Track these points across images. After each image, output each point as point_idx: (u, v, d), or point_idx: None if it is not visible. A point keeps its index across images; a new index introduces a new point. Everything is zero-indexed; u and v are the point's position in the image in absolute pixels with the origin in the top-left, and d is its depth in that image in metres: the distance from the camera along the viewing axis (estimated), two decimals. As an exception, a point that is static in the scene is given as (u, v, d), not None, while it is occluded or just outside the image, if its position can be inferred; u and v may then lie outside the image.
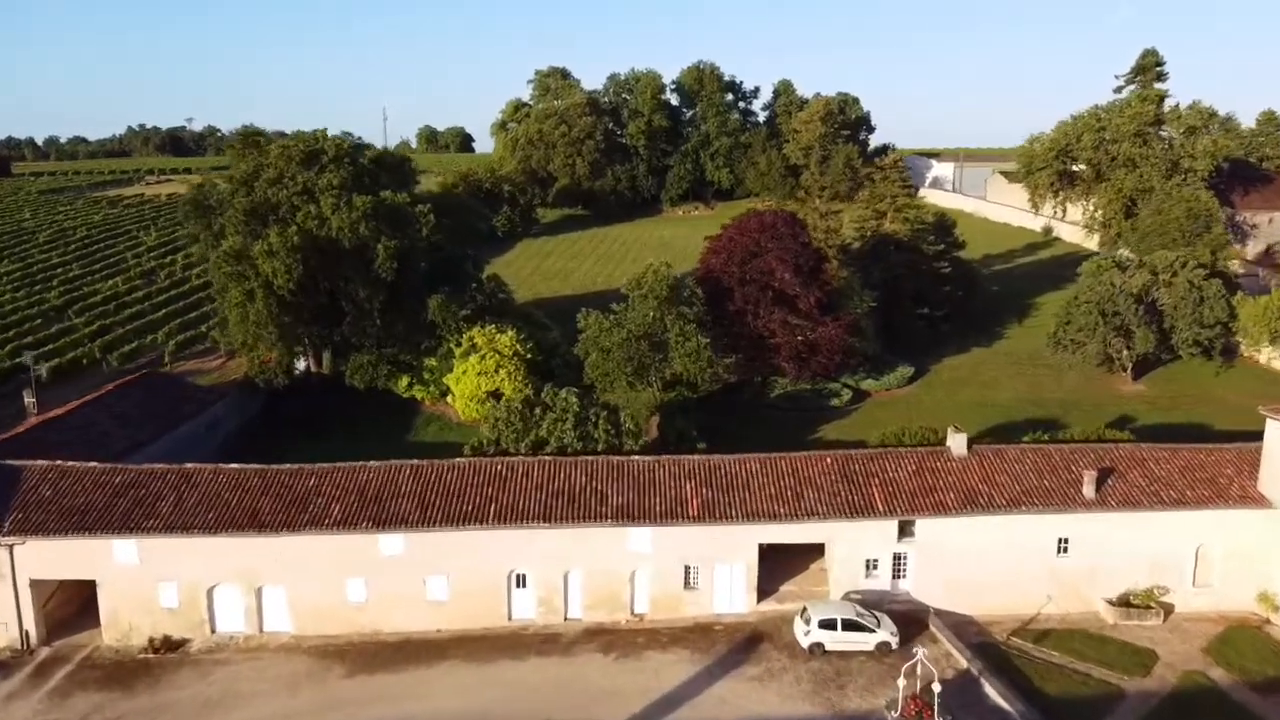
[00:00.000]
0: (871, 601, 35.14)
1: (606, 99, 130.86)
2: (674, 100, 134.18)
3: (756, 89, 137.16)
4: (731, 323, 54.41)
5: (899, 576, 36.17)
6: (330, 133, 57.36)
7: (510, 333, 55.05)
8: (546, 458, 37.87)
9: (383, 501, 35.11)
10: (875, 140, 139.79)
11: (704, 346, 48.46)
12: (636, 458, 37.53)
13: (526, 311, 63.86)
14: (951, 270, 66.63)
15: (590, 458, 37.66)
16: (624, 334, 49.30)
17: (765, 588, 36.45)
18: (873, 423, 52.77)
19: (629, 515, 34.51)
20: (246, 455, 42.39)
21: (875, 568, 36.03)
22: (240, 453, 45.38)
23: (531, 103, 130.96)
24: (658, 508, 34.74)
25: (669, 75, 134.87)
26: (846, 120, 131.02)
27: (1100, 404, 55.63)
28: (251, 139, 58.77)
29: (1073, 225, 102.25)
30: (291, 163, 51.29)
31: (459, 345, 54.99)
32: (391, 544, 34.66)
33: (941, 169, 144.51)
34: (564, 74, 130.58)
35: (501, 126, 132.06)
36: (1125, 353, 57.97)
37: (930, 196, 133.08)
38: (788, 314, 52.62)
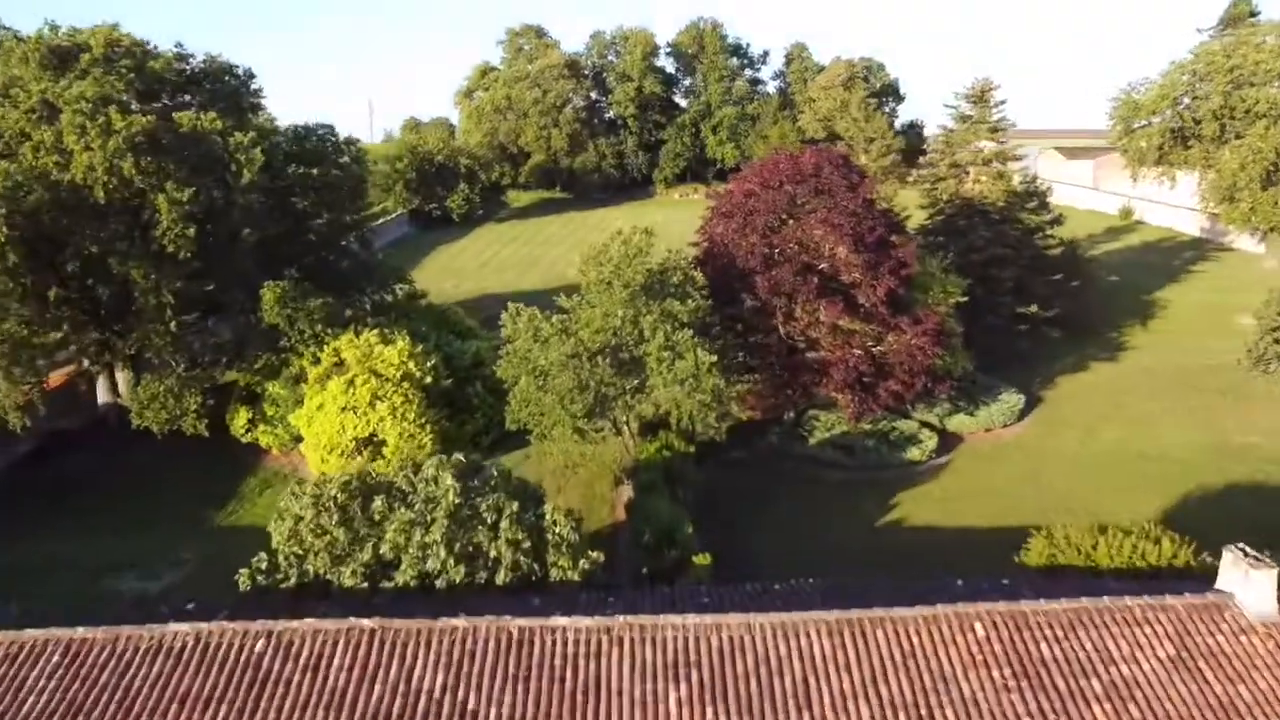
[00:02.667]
0: None
1: (589, 61, 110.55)
2: (669, 65, 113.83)
3: (766, 53, 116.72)
4: (749, 326, 34.20)
5: None
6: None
7: (401, 343, 34.79)
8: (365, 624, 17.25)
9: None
10: (905, 113, 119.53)
11: (708, 367, 28.15)
12: (563, 624, 17.12)
13: (445, 313, 43.59)
14: (1062, 252, 46.41)
15: (457, 624, 17.08)
16: (571, 346, 29.07)
17: None
18: (980, 491, 32.47)
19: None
20: None
21: None
22: None
23: (502, 67, 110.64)
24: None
25: (663, 36, 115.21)
26: (871, 89, 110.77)
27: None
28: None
29: (1160, 205, 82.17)
30: (29, 66, 31.08)
31: (317, 363, 34.75)
32: None
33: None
34: (539, 32, 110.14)
35: (467, 94, 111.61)
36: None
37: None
38: (842, 312, 32.33)
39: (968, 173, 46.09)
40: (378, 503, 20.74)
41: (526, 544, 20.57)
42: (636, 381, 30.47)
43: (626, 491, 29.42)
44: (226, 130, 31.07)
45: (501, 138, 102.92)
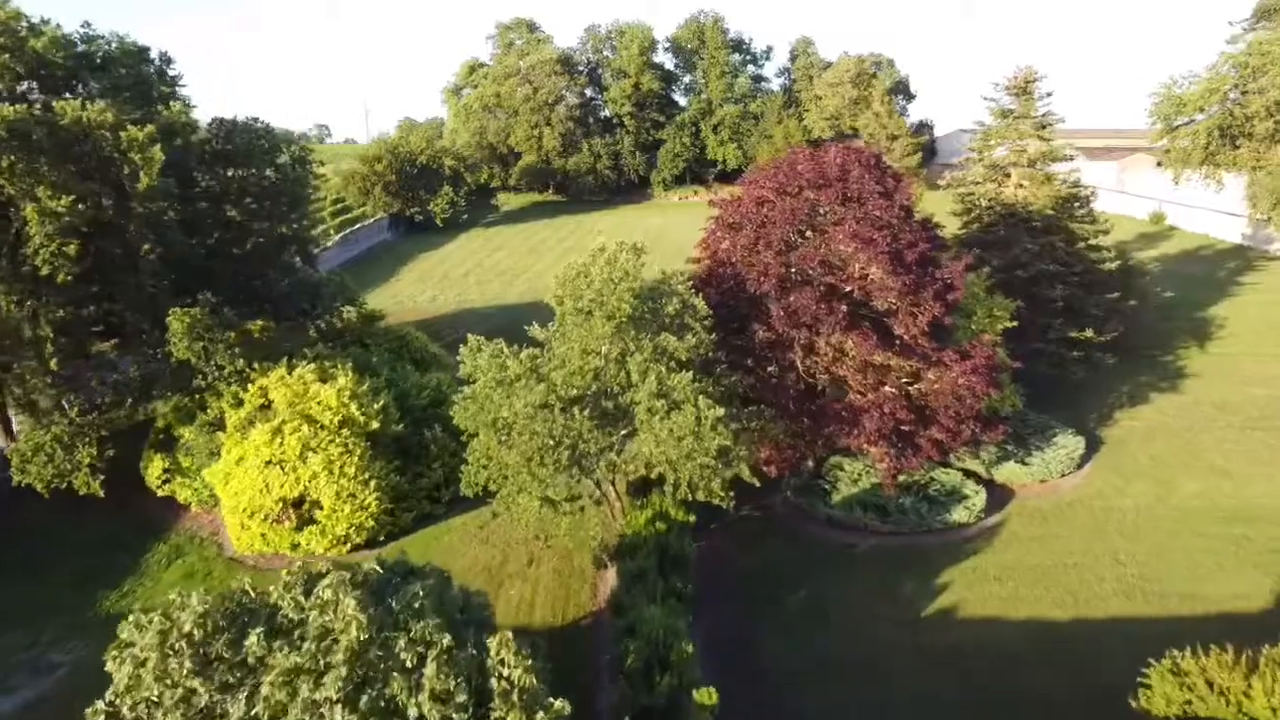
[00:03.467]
0: None
1: (584, 56, 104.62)
2: (668, 61, 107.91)
3: (769, 49, 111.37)
4: (760, 360, 28.23)
5: None
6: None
7: (342, 379, 28.89)
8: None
9: None
10: (915, 112, 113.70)
11: (711, 423, 22.20)
12: None
13: (406, 339, 37.63)
14: (1118, 267, 40.42)
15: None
16: (542, 393, 23.14)
17: None
18: (1046, 567, 26.50)
19: None
20: None
21: None
22: None
23: (492, 63, 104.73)
24: None
25: (662, 31, 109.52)
26: (881, 86, 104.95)
27: None
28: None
29: (1195, 209, 76.25)
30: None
31: (238, 405, 28.83)
32: None
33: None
34: (530, 26, 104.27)
35: (455, 92, 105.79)
36: None
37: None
38: (876, 345, 26.36)
39: (1009, 175, 40.11)
40: (252, 640, 14.78)
41: (462, 696, 14.65)
42: (624, 431, 24.57)
43: (610, 576, 23.49)
44: (119, 124, 25.15)
45: (490, 137, 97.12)
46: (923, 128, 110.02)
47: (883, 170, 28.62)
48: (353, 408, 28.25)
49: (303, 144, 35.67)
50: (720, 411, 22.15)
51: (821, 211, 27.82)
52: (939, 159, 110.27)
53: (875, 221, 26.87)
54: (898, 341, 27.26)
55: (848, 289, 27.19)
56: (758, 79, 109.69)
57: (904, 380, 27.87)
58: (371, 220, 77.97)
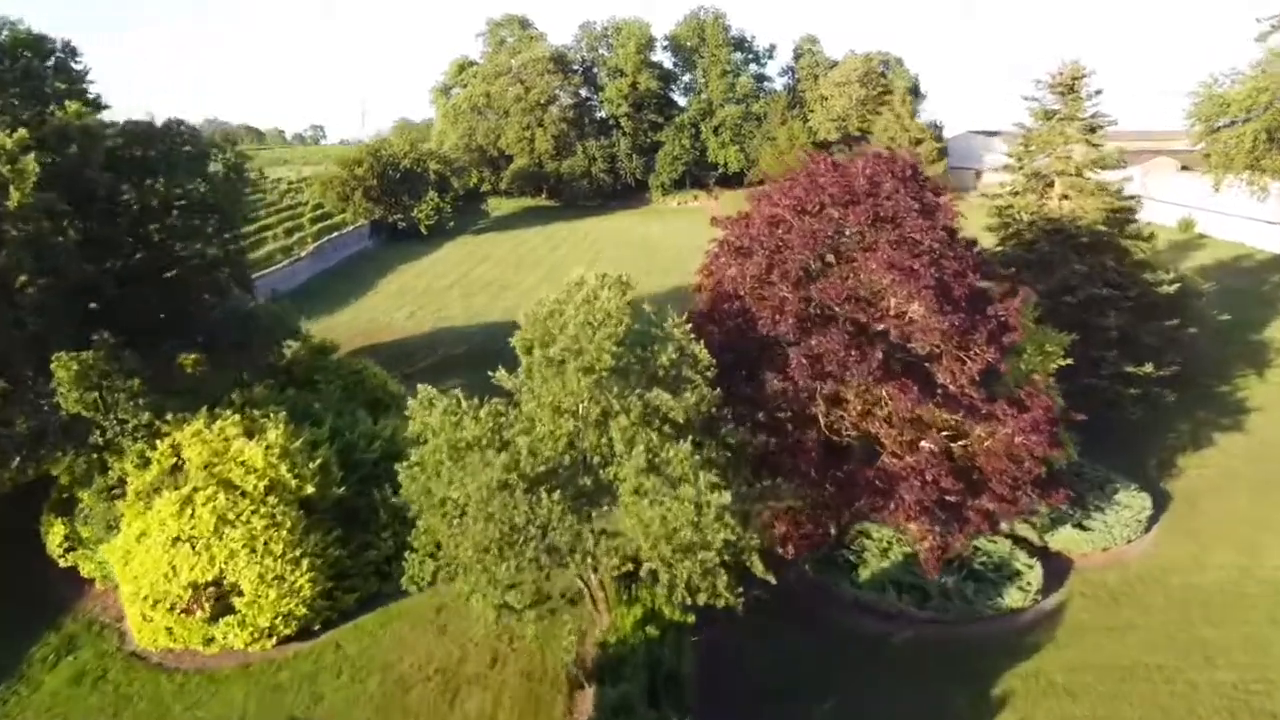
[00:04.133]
0: None
1: (578, 54, 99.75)
2: (666, 60, 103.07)
3: (773, 47, 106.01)
4: (773, 414, 23.32)
5: None
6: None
7: (273, 433, 24.03)
8: None
9: None
10: (924, 112, 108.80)
11: (716, 514, 17.38)
12: None
13: (362, 375, 32.71)
14: (1175, 290, 35.49)
15: None
16: (503, 466, 18.33)
17: None
18: (1122, 669, 21.70)
19: None
20: None
21: None
22: None
23: (482, 61, 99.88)
24: None
25: (660, 28, 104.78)
26: (889, 86, 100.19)
27: None
28: None
29: (1226, 216, 71.51)
30: None
31: (145, 466, 23.97)
32: None
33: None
34: (523, 22, 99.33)
35: (443, 92, 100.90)
36: None
37: (991, 183, 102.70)
38: (919, 398, 21.52)
39: (1052, 185, 35.26)
40: None
41: None
42: (606, 508, 19.73)
43: (587, 702, 18.64)
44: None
45: (480, 139, 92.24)
46: (933, 129, 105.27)
47: (920, 183, 23.74)
48: (283, 469, 23.40)
49: (237, 151, 30.77)
50: (727, 498, 17.27)
51: (848, 234, 22.99)
52: (950, 162, 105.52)
53: (914, 246, 22.03)
54: (940, 391, 22.42)
55: (881, 328, 22.34)
56: (760, 78, 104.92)
57: (945, 435, 23.04)
58: (351, 228, 73.10)
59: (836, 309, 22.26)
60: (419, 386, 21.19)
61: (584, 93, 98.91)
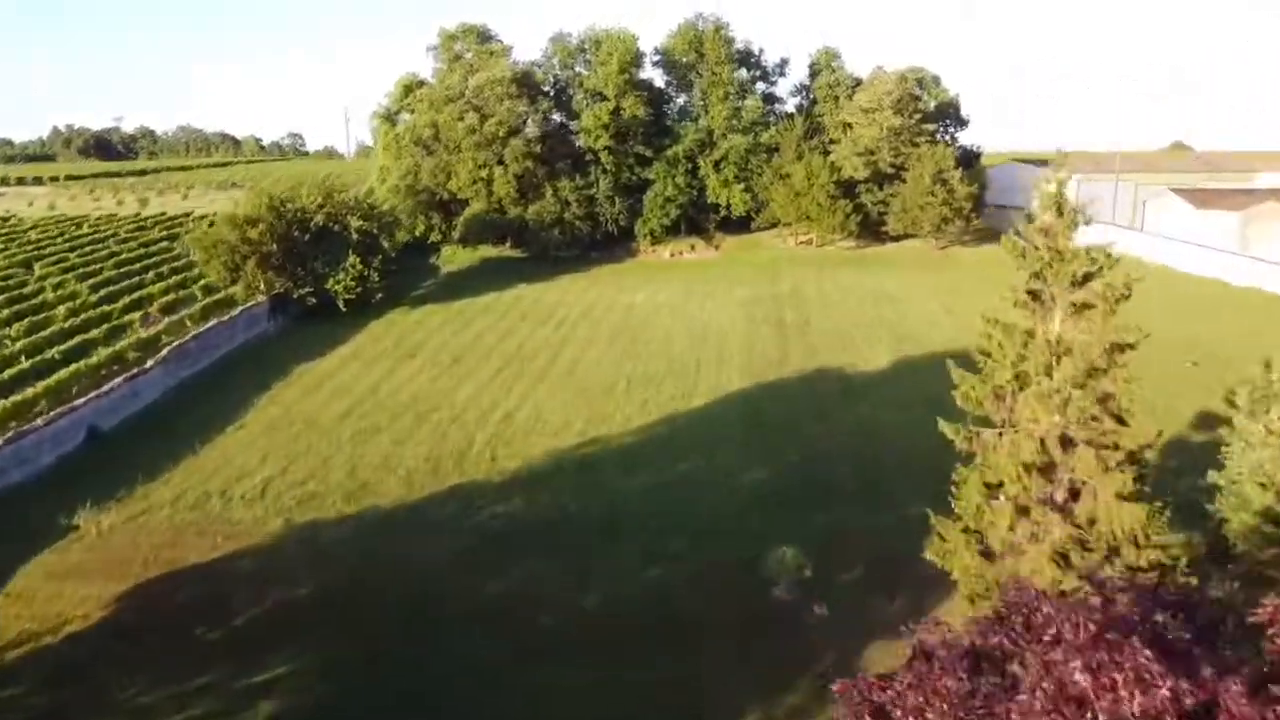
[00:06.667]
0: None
1: (548, 74, 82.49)
2: (658, 78, 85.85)
3: (784, 61, 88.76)
4: None
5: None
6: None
7: None
8: None
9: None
10: (964, 139, 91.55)
11: None
12: None
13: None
14: None
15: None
16: None
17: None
18: None
19: None
20: None
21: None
22: None
23: (434, 80, 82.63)
24: None
25: (649, 41, 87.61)
26: (926, 110, 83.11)
27: None
28: None
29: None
30: None
31: None
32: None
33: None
34: (482, 34, 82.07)
35: (387, 118, 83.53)
36: None
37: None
38: None
39: None
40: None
41: None
42: None
43: None
44: None
45: (425, 179, 74.83)
46: (970, 157, 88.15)
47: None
48: None
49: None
50: None
51: None
52: (990, 197, 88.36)
53: None
54: None
55: None
56: (770, 99, 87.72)
57: None
58: (241, 309, 55.78)
59: None
60: None
61: (557, 117, 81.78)
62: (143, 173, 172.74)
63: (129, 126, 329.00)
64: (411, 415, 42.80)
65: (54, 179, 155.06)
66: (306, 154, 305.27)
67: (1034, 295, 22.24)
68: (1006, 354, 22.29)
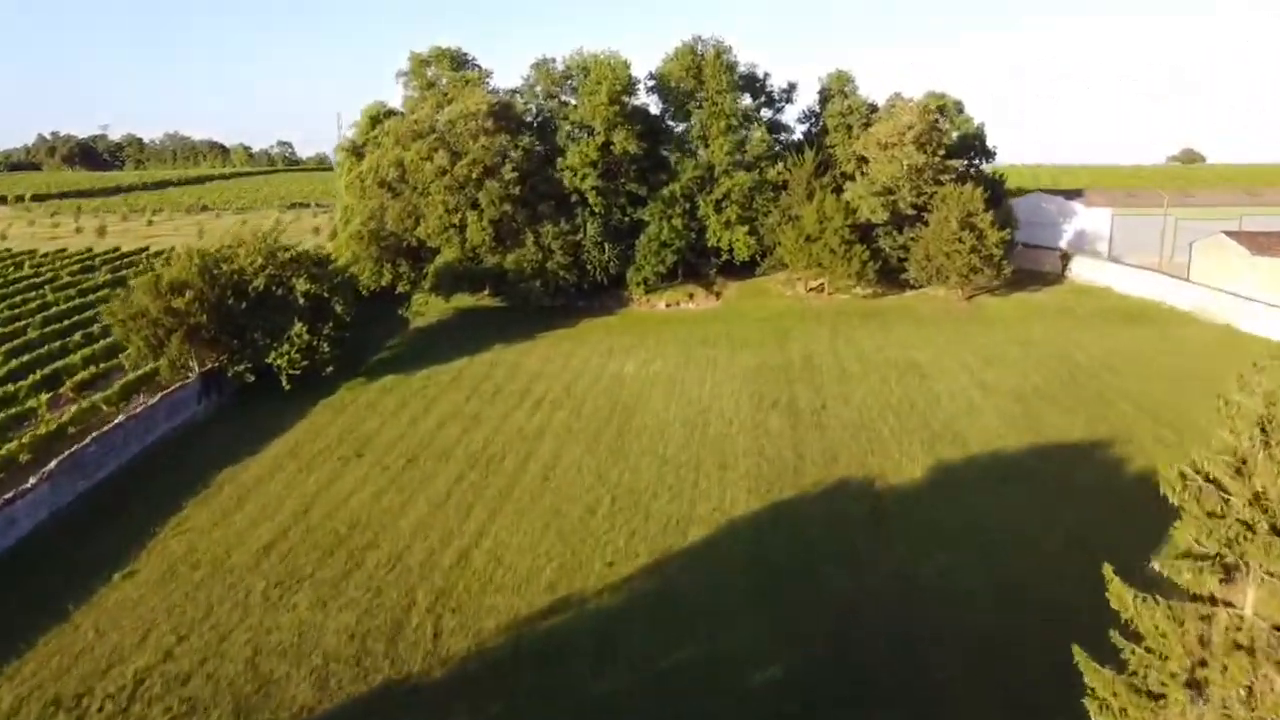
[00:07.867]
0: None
1: (529, 104, 74.35)
2: (653, 105, 77.71)
3: (792, 87, 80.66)
4: None
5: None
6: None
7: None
8: None
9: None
10: (988, 169, 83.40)
11: None
12: None
13: None
14: None
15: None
16: None
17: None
18: None
19: None
20: None
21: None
22: None
23: (404, 109, 74.53)
24: None
25: (643, 65, 79.40)
26: (949, 144, 74.91)
27: None
28: None
29: None
30: None
31: None
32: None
33: (1093, 217, 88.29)
34: (457, 59, 73.93)
35: (351, 152, 75.35)
36: None
37: (1082, 272, 77.83)
38: None
39: None
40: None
41: None
42: None
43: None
44: None
45: (391, 224, 66.70)
46: (997, 192, 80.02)
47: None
48: None
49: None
50: None
51: None
52: (1019, 235, 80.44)
53: None
54: None
55: None
56: (775, 126, 79.55)
57: None
58: (167, 391, 47.60)
59: None
60: None
61: (540, 148, 73.57)
62: (116, 189, 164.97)
63: (115, 134, 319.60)
64: (344, 554, 34.71)
65: (19, 198, 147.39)
66: (298, 162, 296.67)
67: (1216, 561, 14.54)
68: (1171, 645, 14.60)
